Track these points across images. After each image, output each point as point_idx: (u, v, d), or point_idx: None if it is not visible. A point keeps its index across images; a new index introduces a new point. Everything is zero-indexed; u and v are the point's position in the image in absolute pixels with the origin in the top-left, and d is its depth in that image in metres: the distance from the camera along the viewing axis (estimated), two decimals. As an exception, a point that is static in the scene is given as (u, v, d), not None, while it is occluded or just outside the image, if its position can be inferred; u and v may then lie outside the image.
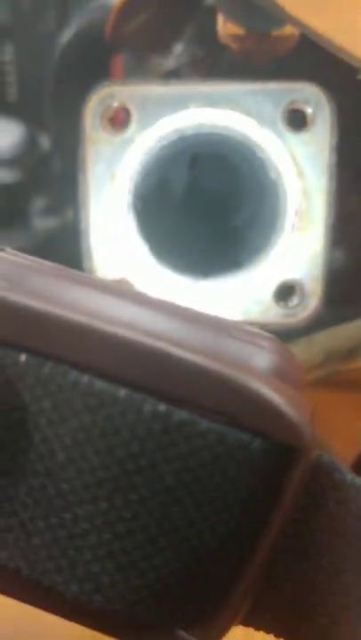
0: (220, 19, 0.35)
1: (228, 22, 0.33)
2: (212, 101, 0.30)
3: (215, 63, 0.55)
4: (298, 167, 0.30)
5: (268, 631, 0.13)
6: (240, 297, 0.32)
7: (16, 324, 0.11)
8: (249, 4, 0.29)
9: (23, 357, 0.12)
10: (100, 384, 0.11)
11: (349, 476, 0.12)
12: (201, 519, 0.11)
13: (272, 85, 0.30)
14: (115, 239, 0.31)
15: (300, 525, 0.12)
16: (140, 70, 0.70)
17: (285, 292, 0.32)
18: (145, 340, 0.11)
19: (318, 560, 0.12)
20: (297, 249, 0.31)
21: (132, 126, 0.31)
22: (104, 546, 0.12)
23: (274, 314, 0.32)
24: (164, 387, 0.11)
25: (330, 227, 0.30)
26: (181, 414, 0.11)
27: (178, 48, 0.67)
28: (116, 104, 0.30)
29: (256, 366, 0.12)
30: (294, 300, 0.31)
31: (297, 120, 0.30)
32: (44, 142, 0.74)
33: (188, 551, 0.12)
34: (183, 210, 0.38)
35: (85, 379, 0.11)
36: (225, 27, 0.34)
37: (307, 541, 0.12)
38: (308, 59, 0.30)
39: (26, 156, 0.59)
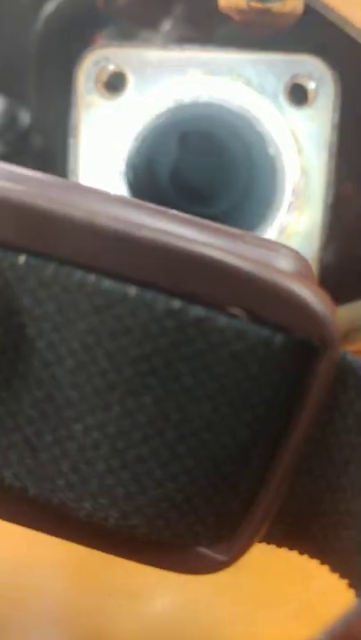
0: (221, -13, 0.34)
1: (230, -8, 0.32)
2: (212, 69, 0.29)
3: (206, 42, 0.54)
4: (298, 143, 0.29)
5: (291, 547, 0.12)
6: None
7: (14, 223, 0.10)
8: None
9: (23, 259, 0.11)
10: (107, 283, 0.10)
11: None
12: (221, 422, 0.11)
13: (275, 56, 0.29)
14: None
15: (325, 428, 0.11)
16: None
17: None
18: (154, 235, 0.10)
19: (345, 466, 0.11)
20: (293, 230, 0.30)
21: (129, 91, 0.29)
22: (118, 455, 0.11)
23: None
24: (178, 282, 0.10)
25: (328, 207, 0.29)
26: (197, 310, 0.10)
27: (166, 26, 0.65)
28: (111, 67, 0.29)
29: (276, 265, 0.11)
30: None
31: (299, 94, 0.29)
32: (25, 118, 0.72)
33: (208, 458, 0.11)
34: (170, 191, 0.37)
35: (92, 278, 0.10)
36: (226, -3, 0.33)
37: (333, 445, 0.11)
38: (312, 32, 0.29)
39: (5, 131, 0.57)
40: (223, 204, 0.36)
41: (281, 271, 0.11)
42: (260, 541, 0.12)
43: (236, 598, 0.19)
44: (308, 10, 0.30)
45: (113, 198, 0.11)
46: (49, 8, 0.66)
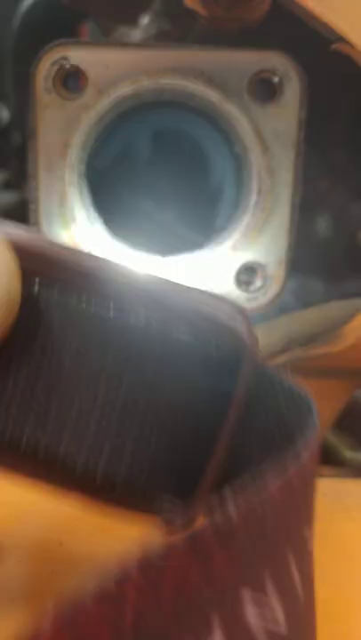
0: (186, -19, 0.33)
1: (195, -15, 0.31)
2: (173, 67, 0.28)
3: (183, 37, 0.53)
4: (263, 142, 0.28)
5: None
6: (199, 278, 0.30)
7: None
8: (216, -36, 0.27)
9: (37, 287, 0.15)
10: (93, 309, 0.15)
11: None
12: (179, 407, 0.15)
13: (238, 54, 0.28)
14: (66, 212, 0.29)
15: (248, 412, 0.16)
16: (106, 40, 0.67)
17: (247, 274, 0.30)
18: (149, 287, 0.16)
19: (256, 446, 0.16)
20: (261, 230, 0.29)
21: (88, 91, 0.28)
22: (105, 418, 0.15)
23: (235, 297, 0.30)
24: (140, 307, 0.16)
25: (296, 207, 0.29)
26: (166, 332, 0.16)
27: (145, 19, 0.64)
28: (70, 66, 0.28)
29: (220, 306, 0.16)
30: (256, 284, 0.30)
31: (264, 91, 0.28)
32: (4, 114, 0.71)
33: (168, 425, 0.16)
34: (144, 187, 0.36)
35: (83, 304, 0.15)
36: (191, -10, 0.32)
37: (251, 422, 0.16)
38: (278, 28, 0.28)
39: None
40: (194, 206, 0.35)
41: (219, 307, 0.16)
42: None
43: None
44: (275, 5, 0.29)
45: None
46: (25, 5, 0.65)
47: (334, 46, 0.27)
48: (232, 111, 0.28)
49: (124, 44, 0.28)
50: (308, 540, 0.14)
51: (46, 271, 0.15)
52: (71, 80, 0.28)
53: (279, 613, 0.11)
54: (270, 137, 0.28)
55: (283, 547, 0.13)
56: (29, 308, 0.15)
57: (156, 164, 0.39)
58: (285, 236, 0.29)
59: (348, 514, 0.25)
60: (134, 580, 0.09)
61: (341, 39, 0.26)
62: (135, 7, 0.55)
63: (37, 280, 0.15)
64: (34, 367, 0.15)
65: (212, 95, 0.28)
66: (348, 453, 0.38)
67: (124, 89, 0.28)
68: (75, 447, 0.15)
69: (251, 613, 0.11)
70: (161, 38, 0.56)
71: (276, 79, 0.28)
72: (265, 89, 0.28)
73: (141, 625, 0.09)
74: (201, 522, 0.13)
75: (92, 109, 0.28)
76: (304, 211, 0.30)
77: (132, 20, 0.61)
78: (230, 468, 0.16)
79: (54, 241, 0.16)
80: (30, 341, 0.15)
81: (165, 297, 0.16)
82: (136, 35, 0.69)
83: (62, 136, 0.29)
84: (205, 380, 0.16)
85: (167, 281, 0.16)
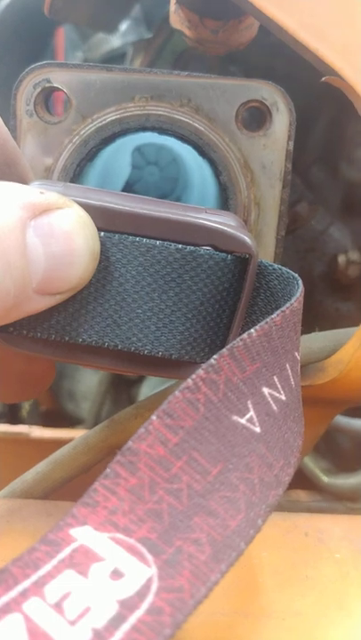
0: (173, 1, 0.32)
1: (182, 6, 0.31)
2: (160, 93, 0.27)
3: (163, 46, 0.52)
4: (251, 173, 0.28)
5: None
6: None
7: (100, 219, 0.21)
8: (205, -12, 0.27)
9: (102, 234, 0.22)
10: (145, 240, 0.22)
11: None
12: (207, 299, 0.22)
13: (227, 82, 0.27)
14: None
15: (254, 297, 0.23)
16: (84, 46, 0.66)
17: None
18: (165, 215, 0.22)
19: (261, 314, 0.24)
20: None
21: (71, 115, 0.27)
22: (161, 320, 0.22)
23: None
24: (178, 236, 0.22)
25: (280, 240, 0.28)
26: (190, 248, 0.22)
27: (123, 26, 0.63)
28: (52, 88, 0.27)
29: (226, 222, 0.22)
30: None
31: (252, 121, 0.28)
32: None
33: (202, 316, 0.22)
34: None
35: (137, 238, 0.22)
36: (178, 11, 0.31)
37: (256, 305, 0.24)
38: (266, 54, 0.27)
39: None
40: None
41: (229, 225, 0.22)
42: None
43: None
44: (262, 32, 0.29)
45: (140, 198, 0.23)
46: (3, 4, 0.63)
47: (325, 79, 0.26)
48: (219, 140, 0.27)
49: (110, 68, 0.27)
50: (297, 360, 0.22)
51: (108, 224, 0.21)
52: (53, 103, 0.27)
53: (281, 394, 0.20)
54: (258, 168, 0.28)
55: (283, 359, 0.21)
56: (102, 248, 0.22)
57: (138, 183, 0.38)
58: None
59: (331, 556, 0.24)
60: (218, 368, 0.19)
61: (333, 72, 0.26)
62: (114, 15, 0.54)
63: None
64: (106, 291, 0.22)
65: (199, 123, 0.27)
66: (326, 479, 0.38)
67: (109, 115, 0.27)
68: (141, 342, 0.22)
69: (266, 392, 0.20)
70: (139, 46, 0.55)
71: (265, 110, 0.27)
72: (253, 119, 0.28)
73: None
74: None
75: (76, 134, 0.27)
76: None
77: (112, 27, 0.60)
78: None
79: (102, 202, 0.21)
80: (102, 274, 0.22)
81: (191, 224, 0.22)
82: (115, 40, 0.68)
83: (44, 159, 0.28)
84: (224, 277, 0.22)
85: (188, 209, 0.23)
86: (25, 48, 0.65)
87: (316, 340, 0.30)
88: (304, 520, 0.27)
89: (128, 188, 0.39)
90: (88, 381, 0.62)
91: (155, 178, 0.40)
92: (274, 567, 0.24)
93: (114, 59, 0.61)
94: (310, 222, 0.40)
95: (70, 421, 0.63)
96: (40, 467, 0.28)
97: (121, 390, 0.58)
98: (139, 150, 0.39)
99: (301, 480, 0.39)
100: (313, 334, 0.30)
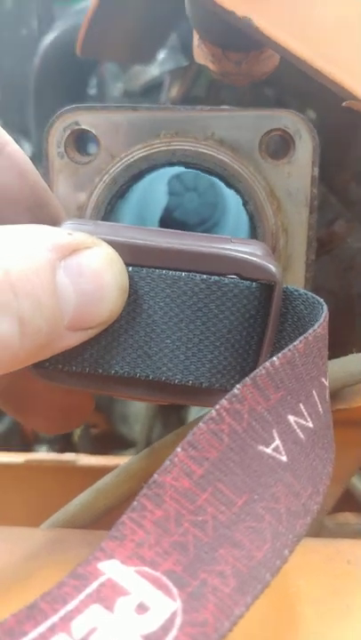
0: (196, 37, 0.33)
1: (205, 41, 0.31)
2: (184, 128, 0.28)
3: (198, 74, 0.53)
4: (277, 201, 0.28)
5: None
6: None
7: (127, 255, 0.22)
8: (226, 24, 0.27)
9: (130, 269, 0.22)
10: (171, 273, 0.22)
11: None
12: (233, 327, 0.22)
13: (249, 112, 0.28)
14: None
15: (281, 324, 0.23)
16: (124, 76, 0.68)
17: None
18: (191, 248, 0.22)
19: (290, 339, 0.23)
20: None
21: (100, 155, 0.28)
22: (190, 350, 0.23)
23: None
24: (204, 267, 0.22)
25: (310, 265, 0.28)
26: (215, 278, 0.22)
27: (161, 55, 0.64)
28: (81, 130, 0.28)
29: (252, 251, 0.23)
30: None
31: (276, 150, 0.28)
32: (26, 149, 0.72)
33: (230, 345, 0.23)
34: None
35: (163, 271, 0.22)
36: (201, 45, 0.32)
37: (283, 331, 0.24)
38: (300, 75, 0.28)
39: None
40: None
41: (254, 254, 0.22)
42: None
43: None
44: (283, 62, 0.29)
45: (166, 232, 0.24)
46: (44, 44, 0.66)
47: (346, 104, 0.26)
48: (244, 170, 0.28)
49: (135, 108, 0.28)
50: (325, 386, 0.22)
51: (135, 259, 0.22)
52: (84, 144, 0.29)
53: (308, 421, 0.20)
54: (283, 195, 0.28)
55: (309, 385, 0.21)
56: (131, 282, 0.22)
57: (173, 213, 0.39)
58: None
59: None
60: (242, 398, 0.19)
61: (352, 96, 0.26)
62: (150, 46, 0.56)
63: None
64: (136, 323, 0.22)
65: (224, 155, 0.28)
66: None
67: (137, 152, 0.28)
68: (172, 371, 0.23)
69: (292, 420, 0.20)
70: (177, 73, 0.56)
71: (288, 138, 0.28)
72: (277, 147, 0.28)
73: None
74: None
75: (105, 173, 0.28)
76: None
77: (148, 58, 0.61)
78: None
79: (129, 239, 0.22)
80: (131, 307, 0.22)
81: (215, 254, 0.22)
82: (153, 70, 0.69)
83: (77, 197, 0.29)
84: (250, 305, 0.22)
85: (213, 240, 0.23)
86: (67, 83, 0.67)
87: (353, 362, 0.30)
88: (348, 546, 0.26)
89: (168, 215, 0.40)
90: (139, 404, 0.63)
91: (194, 204, 0.41)
92: (313, 596, 0.23)
93: (154, 87, 0.63)
94: (347, 241, 0.40)
95: (123, 444, 0.64)
96: (83, 496, 0.28)
97: (170, 413, 0.59)
98: (178, 177, 0.40)
99: (349, 502, 0.38)
100: (351, 356, 0.30)
